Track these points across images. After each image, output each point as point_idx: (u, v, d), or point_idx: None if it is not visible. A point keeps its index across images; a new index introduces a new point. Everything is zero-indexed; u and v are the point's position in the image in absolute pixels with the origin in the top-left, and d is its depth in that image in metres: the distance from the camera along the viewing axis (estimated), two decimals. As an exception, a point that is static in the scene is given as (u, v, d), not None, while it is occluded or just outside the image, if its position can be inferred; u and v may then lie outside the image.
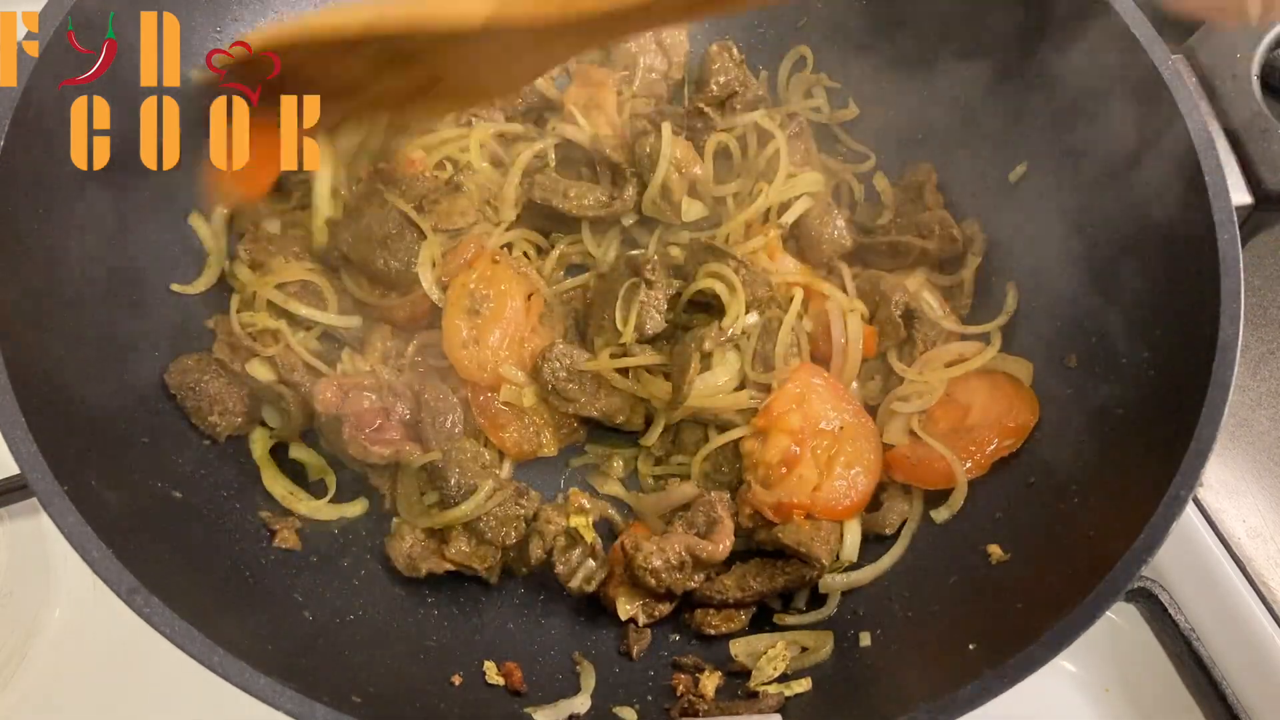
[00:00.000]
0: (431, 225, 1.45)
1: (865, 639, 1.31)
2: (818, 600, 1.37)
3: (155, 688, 1.37)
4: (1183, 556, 1.41)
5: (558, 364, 1.43)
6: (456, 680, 1.21)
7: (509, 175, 1.57)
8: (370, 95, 0.99)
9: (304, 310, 1.45)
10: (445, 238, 1.47)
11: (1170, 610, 1.40)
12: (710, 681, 1.26)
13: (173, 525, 1.20)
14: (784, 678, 1.28)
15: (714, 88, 1.64)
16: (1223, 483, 1.52)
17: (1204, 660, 1.37)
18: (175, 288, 1.43)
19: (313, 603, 1.26)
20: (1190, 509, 1.38)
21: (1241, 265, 1.19)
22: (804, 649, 1.32)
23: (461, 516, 1.33)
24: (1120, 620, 1.44)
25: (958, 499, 1.39)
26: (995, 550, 1.31)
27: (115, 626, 1.34)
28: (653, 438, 1.48)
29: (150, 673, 1.35)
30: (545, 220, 1.60)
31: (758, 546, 1.39)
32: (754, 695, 1.23)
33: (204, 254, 1.48)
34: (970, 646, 1.15)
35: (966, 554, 1.34)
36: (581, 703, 1.19)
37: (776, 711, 1.19)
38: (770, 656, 1.30)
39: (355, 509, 1.42)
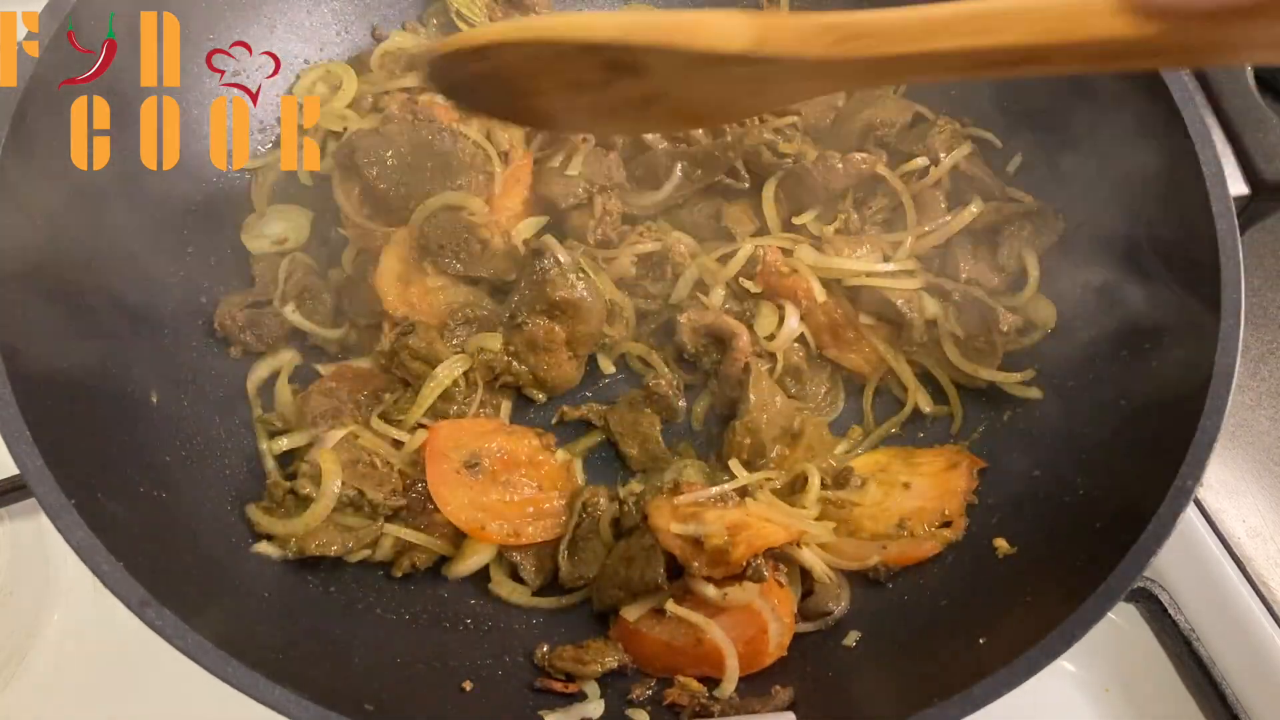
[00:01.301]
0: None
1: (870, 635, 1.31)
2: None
3: (155, 688, 1.36)
4: (1183, 556, 1.42)
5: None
6: (468, 686, 1.21)
7: None
8: (589, 101, 0.97)
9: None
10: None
11: (1170, 610, 1.40)
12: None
13: (177, 536, 1.19)
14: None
15: None
16: (1223, 483, 1.53)
17: (1204, 660, 1.37)
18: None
19: (323, 612, 1.25)
20: (1190, 509, 1.38)
21: (1241, 255, 1.20)
22: None
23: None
24: (1120, 620, 1.45)
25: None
26: (1002, 544, 1.32)
27: (115, 626, 1.34)
28: None
29: (150, 673, 1.34)
30: None
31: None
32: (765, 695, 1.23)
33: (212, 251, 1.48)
34: (980, 640, 1.15)
35: (973, 549, 1.35)
36: (595, 708, 1.20)
37: (788, 709, 1.19)
38: None
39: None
